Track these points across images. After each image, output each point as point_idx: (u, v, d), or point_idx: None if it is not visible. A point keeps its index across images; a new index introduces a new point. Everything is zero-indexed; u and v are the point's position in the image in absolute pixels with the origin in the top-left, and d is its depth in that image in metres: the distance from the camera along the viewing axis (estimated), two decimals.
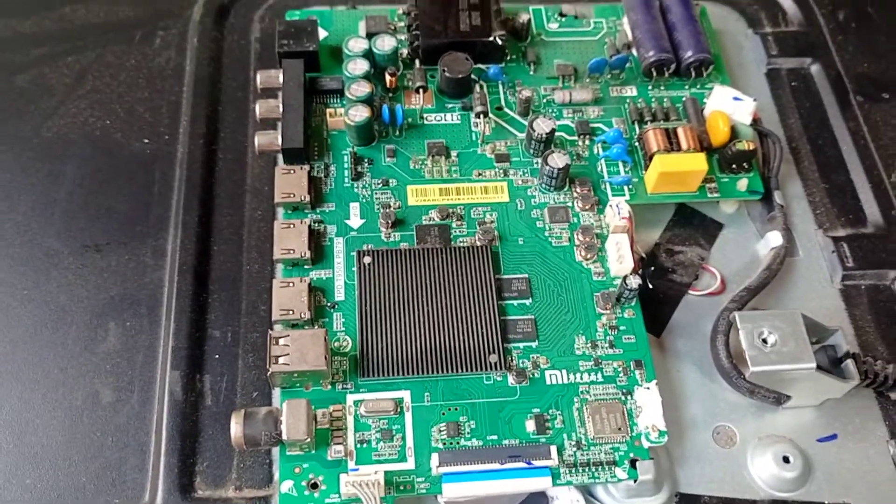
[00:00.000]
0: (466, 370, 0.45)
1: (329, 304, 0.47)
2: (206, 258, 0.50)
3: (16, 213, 0.51)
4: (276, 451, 0.44)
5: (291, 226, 0.48)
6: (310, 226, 0.48)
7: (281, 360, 0.43)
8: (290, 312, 0.45)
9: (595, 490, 0.45)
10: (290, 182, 0.49)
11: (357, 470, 0.42)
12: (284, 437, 0.41)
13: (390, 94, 0.54)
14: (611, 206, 0.50)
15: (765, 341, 0.45)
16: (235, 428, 0.42)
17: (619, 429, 0.44)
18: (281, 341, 0.43)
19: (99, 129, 0.54)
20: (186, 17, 0.59)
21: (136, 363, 0.47)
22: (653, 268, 0.51)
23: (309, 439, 0.41)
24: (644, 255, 0.51)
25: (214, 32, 0.58)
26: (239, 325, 0.48)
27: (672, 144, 0.51)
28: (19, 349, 0.47)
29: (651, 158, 0.51)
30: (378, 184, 0.51)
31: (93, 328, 0.48)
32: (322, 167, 0.51)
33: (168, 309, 0.48)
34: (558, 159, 0.50)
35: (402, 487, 0.43)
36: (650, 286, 0.50)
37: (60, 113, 0.54)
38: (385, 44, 0.53)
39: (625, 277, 0.47)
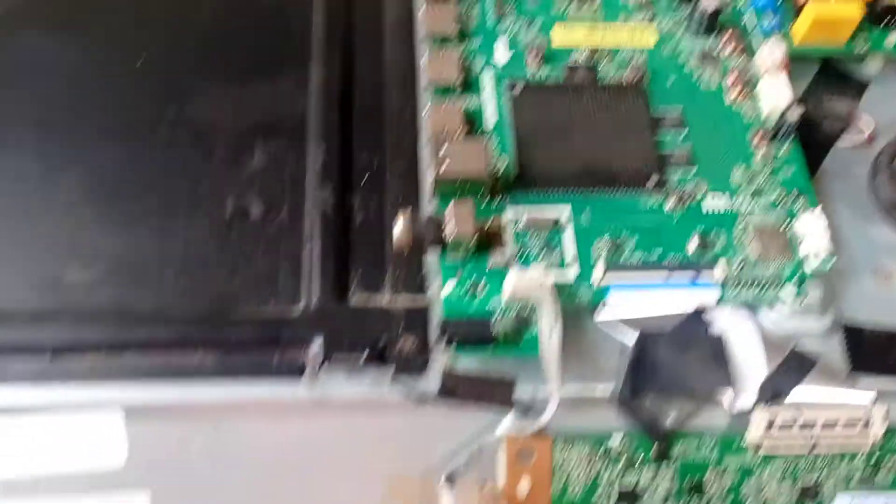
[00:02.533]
0: (626, 189, 0.44)
1: (481, 132, 0.46)
2: (349, 88, 0.49)
3: (158, 44, 0.50)
4: (432, 262, 0.43)
5: (440, 55, 0.47)
6: (459, 57, 0.47)
7: (445, 165, 0.42)
8: (445, 131, 0.44)
9: (757, 312, 0.43)
10: (437, 15, 0.48)
11: (526, 268, 0.41)
12: (449, 237, 0.40)
13: None
14: (765, 44, 0.49)
15: None
16: (399, 229, 0.41)
17: (784, 251, 0.43)
18: (445, 147, 0.42)
19: None
20: None
21: (284, 181, 0.46)
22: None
23: (474, 240, 0.41)
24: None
25: None
26: (385, 154, 0.47)
27: None
28: (164, 169, 0.46)
29: (801, 9, 0.50)
30: (523, 21, 0.50)
31: (239, 149, 0.47)
32: (467, 4, 0.50)
33: (315, 134, 0.47)
34: (709, 2, 0.49)
35: (565, 296, 0.41)
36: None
37: None
38: None
39: (784, 111, 0.46)
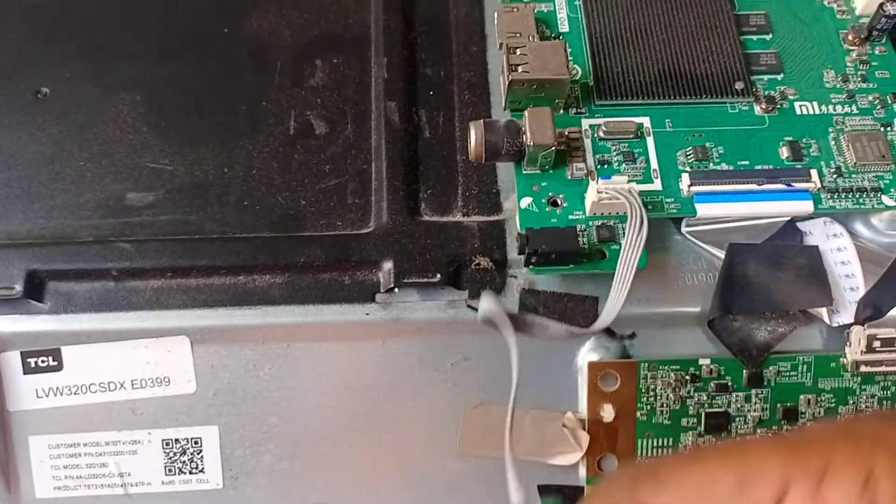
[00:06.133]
0: (710, 96, 0.41)
1: (554, 35, 0.43)
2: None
3: None
4: (505, 179, 0.41)
5: None
6: None
7: (521, 68, 0.39)
8: (518, 35, 0.42)
9: (854, 225, 0.41)
10: None
11: (609, 178, 0.39)
12: (529, 142, 0.38)
13: None
14: None
15: None
16: (476, 135, 0.39)
17: (883, 156, 0.40)
18: (519, 51, 0.40)
19: None
20: None
21: (347, 97, 0.44)
22: None
23: (554, 146, 0.38)
24: None
25: None
26: (451, 65, 0.45)
27: None
28: (223, 87, 0.44)
29: None
30: None
31: (299, 65, 0.45)
32: None
33: (377, 48, 0.45)
34: None
35: (650, 208, 0.39)
36: None
37: None
38: None
39: (881, 4, 0.42)
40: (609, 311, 0.36)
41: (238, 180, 0.42)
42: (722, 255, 0.39)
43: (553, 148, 0.38)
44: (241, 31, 0.46)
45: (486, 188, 0.41)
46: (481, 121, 0.39)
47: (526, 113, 0.39)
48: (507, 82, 0.40)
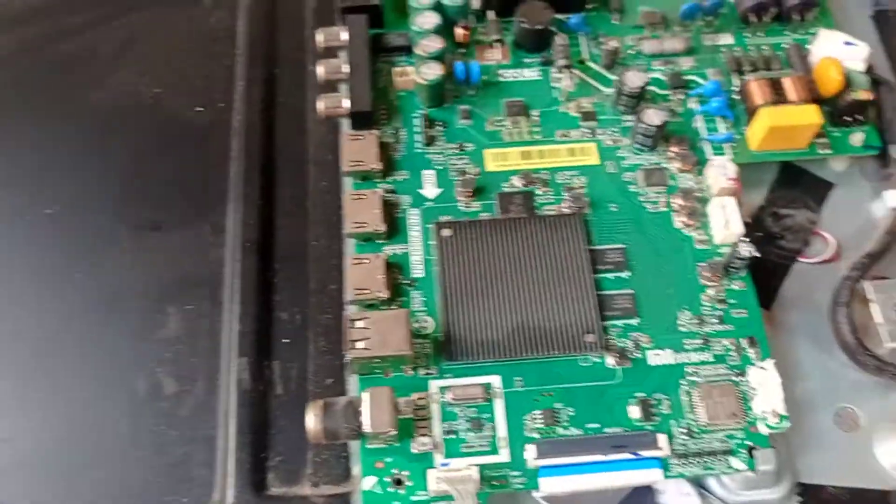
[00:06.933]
0: (561, 351, 0.41)
1: (407, 282, 0.43)
2: (270, 234, 0.46)
3: (64, 191, 0.47)
4: (354, 443, 0.40)
5: (363, 197, 0.44)
6: (382, 196, 0.44)
7: (360, 344, 0.39)
8: (367, 292, 0.41)
9: (707, 482, 0.40)
10: (360, 148, 0.45)
11: (447, 465, 0.38)
12: (366, 429, 0.37)
13: (461, 50, 0.49)
14: (713, 165, 0.45)
15: None
16: (313, 421, 0.38)
17: (734, 413, 0.40)
18: (359, 324, 0.39)
19: (150, 98, 0.50)
20: None
21: (199, 350, 0.43)
22: (759, 233, 0.46)
23: (394, 431, 0.38)
24: (749, 220, 0.46)
25: None
26: (308, 306, 0.44)
27: (779, 96, 0.46)
28: (72, 338, 0.43)
29: (754, 112, 0.46)
30: (453, 148, 0.46)
31: (151, 313, 0.44)
32: (391, 132, 0.46)
33: (231, 290, 0.44)
34: (654, 116, 0.45)
35: (494, 483, 0.39)
36: (757, 255, 0.45)
37: (108, 83, 0.50)
38: None
39: (735, 245, 0.42)
40: None
41: (85, 451, 0.41)
42: None
43: (391, 432, 0.37)
44: (94, 277, 0.45)
45: (336, 453, 0.41)
46: (320, 402, 0.38)
47: (365, 396, 0.38)
48: (348, 358, 0.39)
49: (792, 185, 0.48)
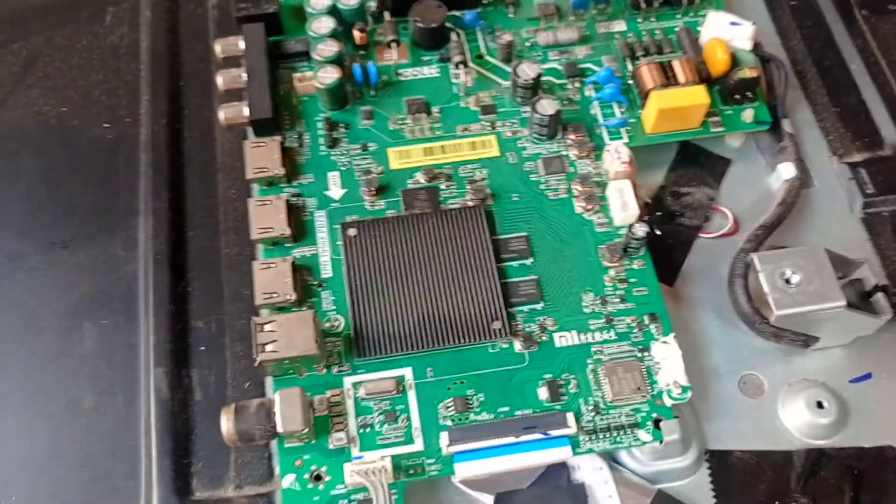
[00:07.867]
0: (469, 340, 0.42)
1: (316, 283, 0.43)
2: (182, 245, 0.47)
3: None
4: (274, 444, 0.41)
5: (268, 202, 0.44)
6: (287, 201, 0.44)
7: (269, 347, 0.40)
8: (275, 295, 0.42)
9: (619, 455, 0.42)
10: (262, 155, 0.45)
11: (361, 458, 0.39)
12: (280, 429, 0.38)
13: (361, 52, 0.50)
14: (608, 150, 0.46)
15: (788, 282, 0.42)
16: (226, 424, 0.38)
17: (639, 388, 0.41)
18: (266, 327, 0.40)
19: (54, 118, 0.50)
20: None
21: (116, 364, 0.44)
22: (659, 213, 0.48)
23: (307, 430, 0.38)
24: (649, 200, 0.48)
25: (168, 2, 0.54)
26: (223, 313, 0.45)
27: (669, 79, 0.48)
28: None
29: (647, 96, 0.48)
30: (356, 149, 0.47)
31: (66, 330, 0.45)
32: (295, 136, 0.47)
33: (145, 303, 0.45)
34: (547, 105, 0.46)
35: (411, 471, 0.40)
36: (658, 233, 0.47)
37: (11, 104, 0.51)
38: None
39: (630, 226, 0.43)
40: None
41: (6, 473, 0.41)
42: (490, 501, 0.40)
43: (306, 431, 0.38)
44: (7, 298, 0.45)
45: (258, 455, 0.42)
46: (232, 406, 0.39)
47: (276, 397, 0.39)
48: (256, 362, 0.40)
49: (690, 163, 0.50)
